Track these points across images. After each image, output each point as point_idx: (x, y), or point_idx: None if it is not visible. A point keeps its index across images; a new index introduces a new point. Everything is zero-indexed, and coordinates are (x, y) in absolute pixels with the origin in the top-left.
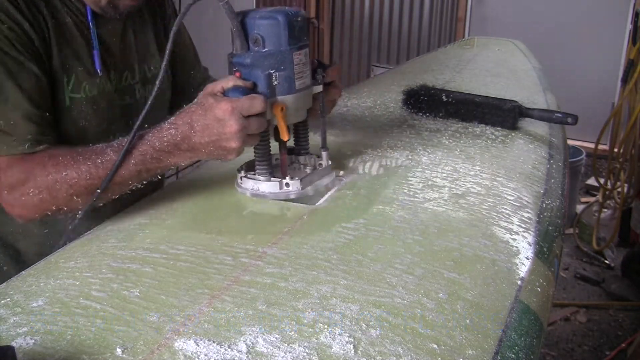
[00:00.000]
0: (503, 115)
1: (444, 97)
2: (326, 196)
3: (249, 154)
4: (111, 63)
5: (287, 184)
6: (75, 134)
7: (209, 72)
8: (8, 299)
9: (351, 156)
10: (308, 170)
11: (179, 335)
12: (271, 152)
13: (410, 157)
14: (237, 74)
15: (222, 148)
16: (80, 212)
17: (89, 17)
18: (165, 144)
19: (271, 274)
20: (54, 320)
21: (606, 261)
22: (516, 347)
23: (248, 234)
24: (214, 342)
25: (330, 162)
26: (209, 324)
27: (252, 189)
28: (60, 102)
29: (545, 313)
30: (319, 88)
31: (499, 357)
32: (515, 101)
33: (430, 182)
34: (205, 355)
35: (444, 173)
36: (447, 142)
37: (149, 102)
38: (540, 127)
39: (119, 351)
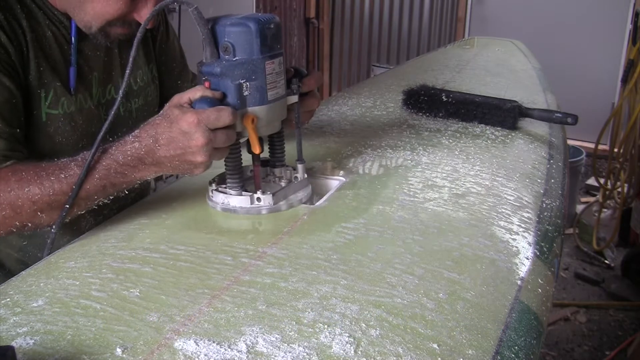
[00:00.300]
0: (503, 115)
1: (444, 97)
2: (326, 196)
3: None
4: (93, 77)
5: (258, 199)
6: (51, 150)
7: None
8: (8, 299)
9: (351, 156)
10: (283, 184)
11: (179, 335)
12: (243, 165)
13: (410, 157)
14: (207, 84)
15: (187, 162)
16: (54, 227)
17: (73, 32)
18: (129, 157)
19: (271, 274)
20: (54, 320)
21: (606, 261)
22: (516, 347)
23: (248, 234)
24: (214, 342)
25: (306, 175)
26: (209, 324)
27: (222, 203)
28: (36, 118)
29: (545, 313)
30: (294, 98)
31: (499, 357)
32: (515, 101)
33: (430, 182)
34: (205, 355)
35: (444, 173)
36: (447, 142)
37: (111, 113)
38: (540, 127)
39: (119, 351)
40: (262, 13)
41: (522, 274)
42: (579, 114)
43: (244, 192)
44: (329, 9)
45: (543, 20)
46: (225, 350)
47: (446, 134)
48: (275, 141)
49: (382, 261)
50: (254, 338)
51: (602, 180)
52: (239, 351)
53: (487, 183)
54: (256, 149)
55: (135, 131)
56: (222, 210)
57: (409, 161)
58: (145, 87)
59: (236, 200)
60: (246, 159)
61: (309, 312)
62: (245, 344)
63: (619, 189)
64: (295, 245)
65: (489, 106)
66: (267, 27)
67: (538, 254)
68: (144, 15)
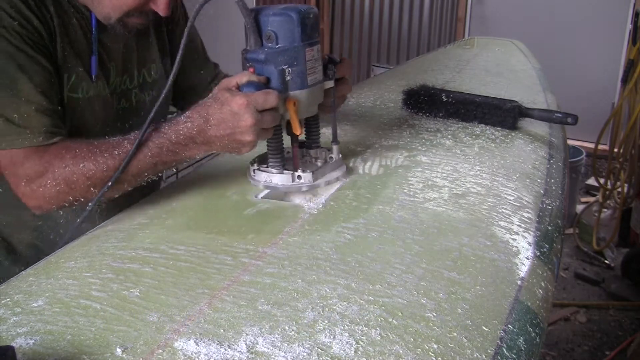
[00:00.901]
0: (503, 115)
1: (444, 97)
2: (326, 196)
3: (260, 147)
4: (112, 67)
5: (299, 177)
6: (69, 133)
7: (219, 67)
8: (8, 299)
9: (351, 156)
10: (319, 164)
11: (179, 335)
12: (283, 146)
13: (410, 157)
14: (251, 70)
15: (236, 141)
16: (90, 204)
17: (93, 23)
18: (182, 137)
19: (271, 274)
20: (54, 320)
21: (606, 261)
22: (516, 347)
23: (248, 234)
24: (214, 342)
25: (340, 156)
26: (209, 324)
27: (264, 181)
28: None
29: (545, 313)
30: (330, 83)
31: (499, 357)
32: (515, 101)
33: (430, 182)
34: (205, 355)
35: (444, 173)
36: (447, 142)
37: (162, 95)
38: (540, 127)
39: (119, 351)
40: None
41: (522, 274)
42: (579, 114)
43: (285, 171)
44: (329, 9)
45: (543, 20)
46: (225, 350)
47: (446, 134)
48: (311, 124)
49: (382, 261)
50: (254, 338)
51: (602, 180)
52: (239, 351)
53: (487, 183)
54: (297, 130)
55: (187, 112)
56: (264, 187)
57: (409, 161)
58: (158, 80)
59: (278, 178)
60: (284, 139)
61: (309, 312)
62: (245, 344)
63: (619, 189)
64: (295, 245)
65: (489, 106)
66: (307, 17)
67: (538, 254)
68: (160, 4)
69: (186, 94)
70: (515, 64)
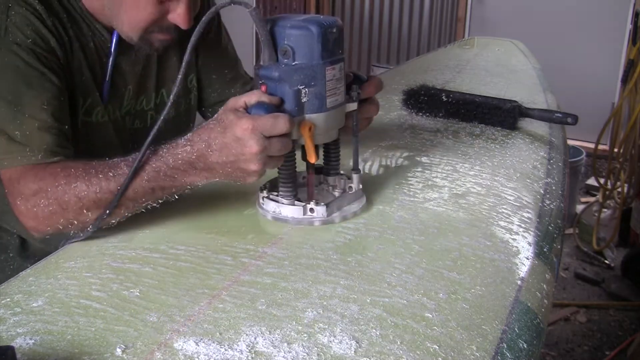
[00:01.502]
0: (503, 115)
1: (444, 97)
2: None
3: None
4: (127, 91)
5: (311, 210)
6: (85, 155)
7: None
8: (8, 299)
9: (351, 156)
10: (336, 193)
11: (179, 335)
12: (297, 172)
13: (410, 157)
14: (263, 88)
15: (240, 170)
16: (91, 226)
17: (112, 46)
18: (180, 161)
19: (271, 274)
20: (54, 320)
21: (606, 261)
22: (516, 347)
23: (248, 234)
24: (214, 342)
25: (361, 186)
26: (209, 324)
27: (273, 212)
28: (73, 124)
29: (545, 313)
30: (353, 106)
31: (499, 357)
32: (515, 101)
33: (430, 182)
34: (205, 355)
35: (444, 173)
36: (447, 142)
37: (161, 118)
38: (540, 127)
39: (119, 351)
40: (324, 15)
41: (522, 274)
42: (579, 114)
43: (296, 202)
44: (329, 9)
45: (543, 20)
46: (225, 350)
47: (446, 134)
48: (330, 149)
49: (382, 261)
50: (254, 338)
51: (602, 180)
52: (239, 351)
53: (487, 183)
54: (312, 158)
55: (188, 134)
56: (273, 219)
57: (409, 161)
58: (178, 99)
59: (288, 210)
60: (299, 163)
61: (309, 312)
62: (245, 344)
63: (619, 189)
64: (295, 245)
65: (489, 106)
66: (329, 31)
67: (538, 254)
68: (179, 14)
69: (215, 110)
70: (515, 64)
